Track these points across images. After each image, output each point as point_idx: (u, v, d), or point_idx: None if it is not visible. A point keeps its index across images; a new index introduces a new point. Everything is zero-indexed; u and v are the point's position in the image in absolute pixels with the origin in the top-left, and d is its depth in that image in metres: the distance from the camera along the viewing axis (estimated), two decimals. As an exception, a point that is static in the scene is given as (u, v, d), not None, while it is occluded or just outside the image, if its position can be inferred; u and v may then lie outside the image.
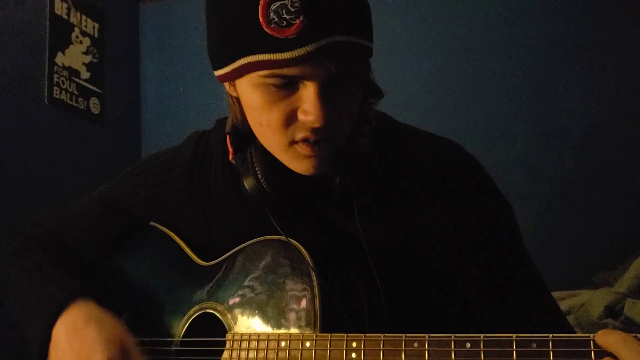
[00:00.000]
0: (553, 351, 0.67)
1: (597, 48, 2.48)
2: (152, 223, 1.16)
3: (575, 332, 1.02)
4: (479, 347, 0.72)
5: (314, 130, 0.86)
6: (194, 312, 1.02)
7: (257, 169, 0.95)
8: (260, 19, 0.80)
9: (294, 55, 0.80)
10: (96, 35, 2.90)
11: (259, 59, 0.82)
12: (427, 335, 0.76)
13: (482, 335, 0.72)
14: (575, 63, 2.50)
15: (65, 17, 2.74)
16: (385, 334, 0.80)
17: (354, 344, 0.81)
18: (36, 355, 0.97)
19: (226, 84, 0.94)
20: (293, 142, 0.89)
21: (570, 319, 1.97)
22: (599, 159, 2.41)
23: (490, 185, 1.02)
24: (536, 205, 2.46)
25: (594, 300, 1.94)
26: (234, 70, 0.86)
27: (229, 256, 1.01)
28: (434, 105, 2.63)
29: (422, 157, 1.01)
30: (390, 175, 0.99)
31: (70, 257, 1.15)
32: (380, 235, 0.97)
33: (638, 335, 0.65)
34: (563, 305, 2.03)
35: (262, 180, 0.95)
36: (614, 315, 1.89)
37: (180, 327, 1.03)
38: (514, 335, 0.70)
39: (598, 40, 2.48)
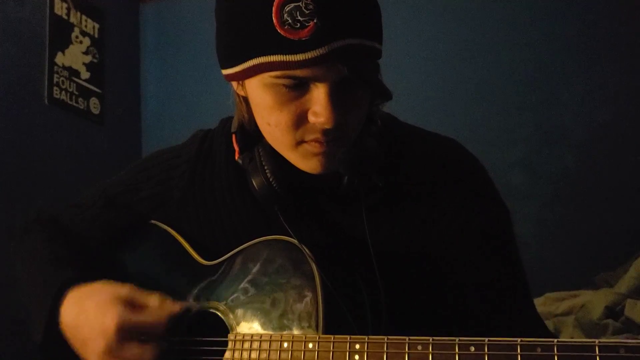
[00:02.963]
0: (558, 356, 0.67)
1: (597, 48, 2.48)
2: (154, 221, 1.16)
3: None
4: (483, 350, 0.72)
5: (324, 132, 0.86)
6: (196, 311, 1.02)
7: (265, 167, 0.95)
8: (274, 20, 0.79)
9: (306, 57, 0.80)
10: (96, 35, 2.90)
11: (272, 59, 0.81)
12: (430, 339, 0.76)
13: (486, 339, 0.72)
14: (575, 63, 2.50)
15: (65, 17, 2.74)
16: (389, 337, 0.79)
17: (357, 346, 0.81)
18: (41, 333, 0.98)
19: (234, 83, 0.94)
20: (302, 142, 0.89)
21: (571, 319, 1.97)
22: (599, 159, 2.42)
23: (489, 189, 1.02)
24: (536, 206, 2.46)
25: (595, 300, 1.94)
26: (244, 70, 0.85)
27: (231, 255, 1.01)
28: (435, 105, 2.63)
29: (425, 157, 1.01)
30: (395, 175, 0.99)
31: (70, 240, 1.15)
32: (385, 235, 0.97)
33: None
34: (563, 306, 2.04)
35: (271, 179, 0.95)
36: (614, 315, 1.89)
37: (182, 326, 1.03)
38: (519, 340, 0.70)
39: (598, 40, 2.48)
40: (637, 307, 1.83)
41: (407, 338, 0.78)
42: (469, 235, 0.97)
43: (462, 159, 1.03)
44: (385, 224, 0.98)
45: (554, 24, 2.55)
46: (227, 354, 0.93)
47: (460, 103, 2.62)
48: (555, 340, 0.68)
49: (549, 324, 1.99)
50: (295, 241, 0.92)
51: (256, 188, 0.96)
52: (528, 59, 2.56)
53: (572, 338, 1.92)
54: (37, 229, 1.16)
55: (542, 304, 2.09)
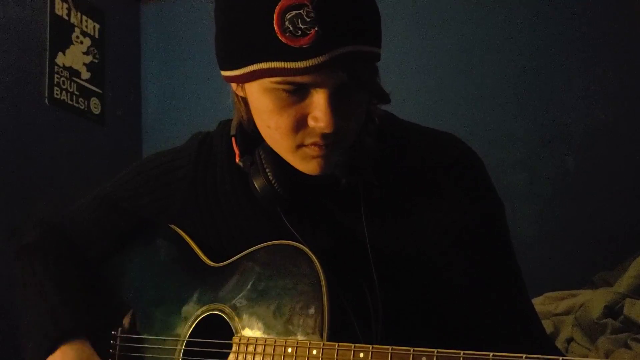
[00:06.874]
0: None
1: (597, 48, 2.48)
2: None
3: (549, 340, 1.03)
4: (487, 364, 0.71)
5: (323, 136, 0.87)
6: (201, 313, 1.03)
7: (267, 169, 0.96)
8: (275, 27, 0.80)
9: (307, 65, 0.80)
10: (97, 36, 2.90)
11: (272, 66, 0.82)
12: (435, 350, 0.76)
13: (490, 354, 0.71)
14: (575, 63, 2.50)
15: (65, 17, 2.73)
16: (393, 347, 0.79)
17: (361, 355, 0.81)
18: None
19: (233, 84, 0.94)
20: (301, 145, 0.90)
21: (570, 318, 1.97)
22: (599, 159, 2.42)
23: (486, 184, 1.03)
24: (536, 205, 2.46)
25: (594, 300, 1.94)
26: (244, 74, 0.86)
27: (238, 258, 1.02)
28: (434, 105, 2.63)
29: (423, 153, 1.02)
30: (394, 173, 1.00)
31: (72, 261, 1.15)
32: (385, 234, 0.98)
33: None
34: (562, 305, 2.04)
35: (273, 181, 0.95)
36: (613, 315, 1.89)
37: (187, 328, 1.03)
38: (524, 356, 0.69)
39: (598, 40, 2.48)
40: (636, 306, 1.83)
41: (411, 349, 0.78)
42: (463, 229, 0.97)
43: (458, 154, 1.03)
44: (385, 221, 0.98)
45: (554, 24, 2.55)
46: (231, 357, 0.94)
47: (460, 103, 2.62)
48: (561, 357, 0.67)
49: (548, 324, 1.99)
50: (304, 247, 0.92)
51: (258, 190, 0.97)
52: (528, 58, 2.56)
53: (571, 337, 1.93)
54: (37, 249, 1.16)
55: (542, 303, 2.09)
